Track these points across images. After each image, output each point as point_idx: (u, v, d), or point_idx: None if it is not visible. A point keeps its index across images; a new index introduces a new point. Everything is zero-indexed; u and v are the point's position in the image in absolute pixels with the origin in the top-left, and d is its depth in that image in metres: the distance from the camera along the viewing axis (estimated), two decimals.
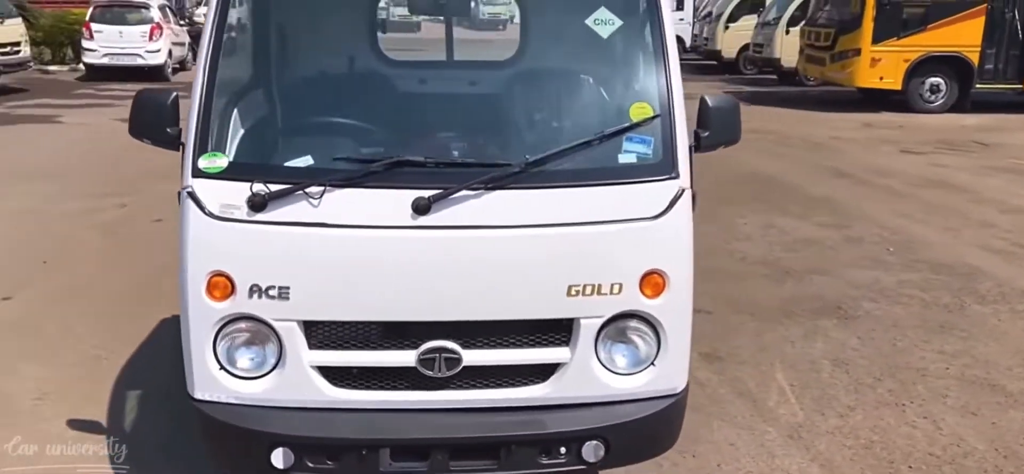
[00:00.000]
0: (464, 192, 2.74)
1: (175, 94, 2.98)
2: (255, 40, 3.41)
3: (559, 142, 2.98)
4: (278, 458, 2.81)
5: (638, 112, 2.97)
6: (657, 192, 2.86)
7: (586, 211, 2.81)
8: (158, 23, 19.44)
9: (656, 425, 2.99)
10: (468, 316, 2.80)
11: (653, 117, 2.95)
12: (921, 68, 15.21)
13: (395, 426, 2.85)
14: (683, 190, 2.89)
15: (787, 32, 19.29)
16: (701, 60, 25.25)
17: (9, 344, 4.98)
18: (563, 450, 2.88)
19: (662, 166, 2.90)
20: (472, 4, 4.41)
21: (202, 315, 2.79)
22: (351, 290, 2.76)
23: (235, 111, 3.02)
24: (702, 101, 3.12)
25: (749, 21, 21.92)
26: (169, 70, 19.86)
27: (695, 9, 26.88)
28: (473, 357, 2.84)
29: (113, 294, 5.72)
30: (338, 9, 3.85)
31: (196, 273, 2.76)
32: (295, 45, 3.72)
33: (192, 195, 2.77)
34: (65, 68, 21.53)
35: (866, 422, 4.21)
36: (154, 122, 2.94)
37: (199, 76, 2.92)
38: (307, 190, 2.73)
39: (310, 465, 2.83)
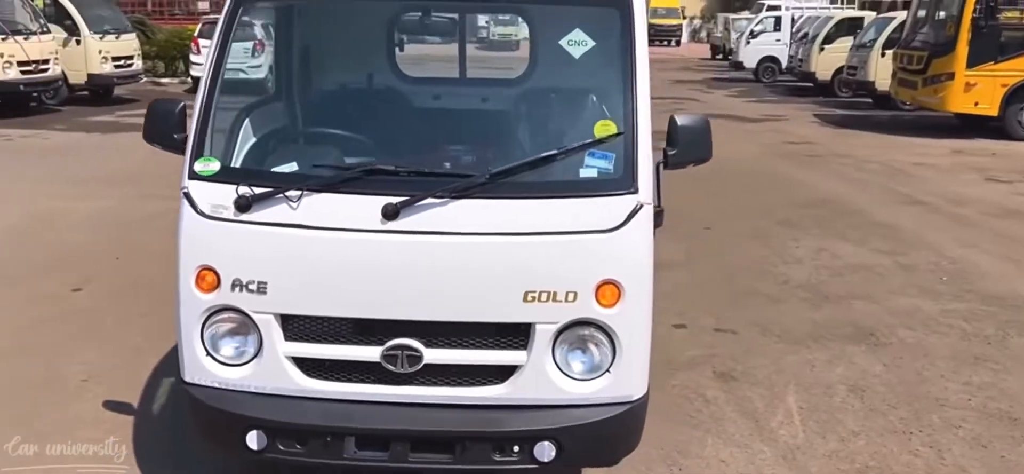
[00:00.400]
0: (430, 200, 2.93)
1: (182, 104, 3.30)
2: (258, 56, 3.69)
3: (527, 156, 3.15)
4: (252, 440, 3.05)
5: (602, 129, 3.10)
6: (615, 206, 2.98)
7: (545, 222, 2.95)
8: (261, 40, 20.34)
9: (609, 430, 3.09)
10: (429, 316, 2.98)
11: (616, 135, 3.07)
12: (1020, 93, 14.54)
13: (360, 416, 3.05)
14: (641, 205, 2.99)
15: (882, 54, 18.71)
16: (796, 82, 24.72)
17: (71, 330, 5.45)
18: (516, 448, 3.02)
19: (622, 181, 3.02)
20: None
21: (191, 305, 3.07)
22: (322, 287, 2.98)
23: (233, 120, 3.31)
24: (671, 120, 3.22)
25: (845, 43, 21.31)
26: (269, 84, 20.78)
27: (792, 31, 26.34)
28: (434, 356, 3.01)
29: (170, 290, 6.12)
30: (342, 30, 4.12)
31: (187, 266, 3.04)
32: (292, 62, 4.01)
33: (187, 195, 3.05)
34: (176, 81, 22.84)
35: (867, 447, 4.17)
36: (163, 129, 3.25)
37: (201, 88, 3.21)
38: (287, 193, 2.97)
39: (281, 448, 3.06)
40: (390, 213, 2.89)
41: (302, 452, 3.06)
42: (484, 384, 3.05)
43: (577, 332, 3.02)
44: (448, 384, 3.05)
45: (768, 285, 6.65)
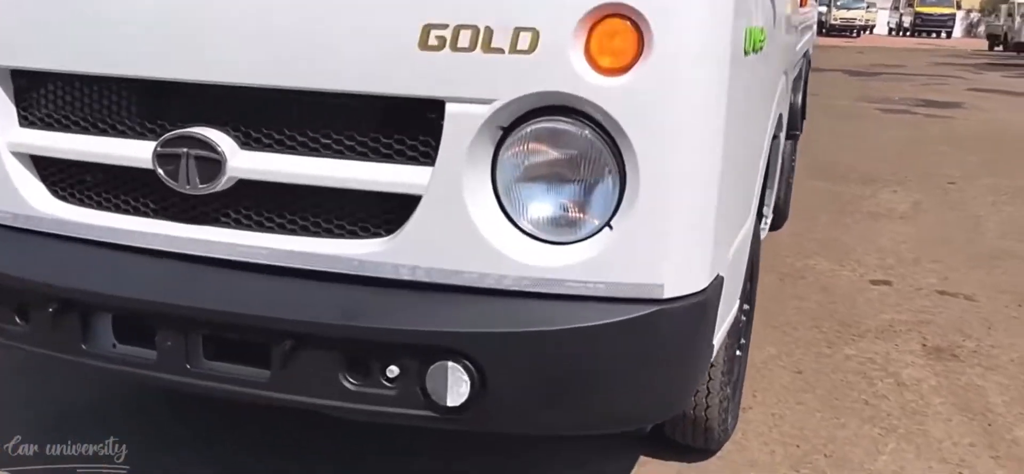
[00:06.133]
0: None
1: None
2: None
3: None
4: None
5: None
6: None
7: None
8: None
9: (604, 356, 1.44)
10: (244, 78, 1.51)
11: None
12: None
13: None
14: None
15: None
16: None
17: None
18: (393, 372, 1.45)
19: None
20: None
21: None
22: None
23: None
24: None
25: None
26: None
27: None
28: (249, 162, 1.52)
29: None
30: None
31: None
32: None
33: None
34: None
35: None
36: None
37: None
38: None
39: None
40: None
41: None
42: (346, 235, 1.50)
43: (542, 130, 1.39)
44: (276, 229, 1.53)
45: None
